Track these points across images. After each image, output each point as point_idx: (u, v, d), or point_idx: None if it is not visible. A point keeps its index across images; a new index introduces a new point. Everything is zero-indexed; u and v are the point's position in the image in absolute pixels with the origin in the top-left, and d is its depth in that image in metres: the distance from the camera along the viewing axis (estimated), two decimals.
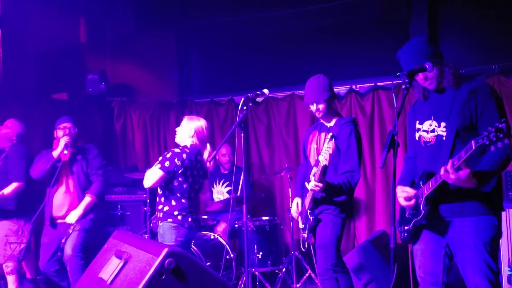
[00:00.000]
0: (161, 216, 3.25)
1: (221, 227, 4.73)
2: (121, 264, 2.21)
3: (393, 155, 2.05)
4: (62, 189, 3.93)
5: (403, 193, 2.35)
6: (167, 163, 3.17)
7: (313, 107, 3.07)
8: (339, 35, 5.46)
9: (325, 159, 2.66)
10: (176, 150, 3.26)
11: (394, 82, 2.28)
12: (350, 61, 5.28)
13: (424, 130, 2.39)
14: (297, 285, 4.42)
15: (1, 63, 4.93)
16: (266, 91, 3.09)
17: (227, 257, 4.27)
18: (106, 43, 5.97)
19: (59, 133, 3.98)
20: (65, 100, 5.49)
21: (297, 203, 3.17)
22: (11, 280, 4.04)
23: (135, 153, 5.86)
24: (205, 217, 4.81)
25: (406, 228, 2.41)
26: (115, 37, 5.95)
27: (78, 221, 3.81)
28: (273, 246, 4.48)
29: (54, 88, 5.45)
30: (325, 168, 2.73)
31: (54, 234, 3.88)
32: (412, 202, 2.33)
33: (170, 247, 2.04)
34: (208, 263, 4.15)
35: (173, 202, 3.22)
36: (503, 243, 3.66)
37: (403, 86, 2.15)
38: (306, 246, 3.17)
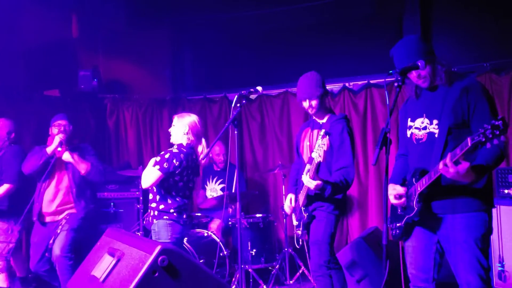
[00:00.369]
0: (156, 214, 3.24)
1: (215, 223, 4.73)
2: (113, 262, 2.20)
3: (386, 153, 2.06)
4: (53, 183, 3.89)
5: (393, 191, 2.37)
6: (165, 164, 3.15)
7: (305, 104, 3.07)
8: (332, 33, 5.47)
9: (319, 156, 2.67)
10: (174, 150, 3.23)
11: (386, 79, 2.29)
12: (344, 59, 5.29)
13: (416, 128, 2.40)
14: (291, 282, 4.44)
15: None
16: (259, 88, 3.08)
17: (221, 254, 4.27)
18: (98, 39, 5.93)
19: (54, 130, 3.94)
20: (56, 96, 5.44)
21: (291, 199, 3.18)
22: (1, 279, 4.01)
23: (128, 151, 5.83)
24: (199, 214, 4.81)
25: (398, 225, 2.42)
26: (107, 33, 5.91)
27: (68, 220, 3.77)
28: (266, 243, 4.49)
29: (46, 84, 5.40)
30: (319, 164, 2.74)
31: (44, 234, 3.84)
32: (402, 200, 2.35)
33: (163, 245, 2.03)
34: (201, 260, 4.15)
35: (169, 201, 3.21)
36: (494, 239, 3.70)
37: (396, 84, 2.16)
38: (300, 243, 3.18)
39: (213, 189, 5.14)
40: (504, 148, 2.17)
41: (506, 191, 3.81)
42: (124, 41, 5.91)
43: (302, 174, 2.97)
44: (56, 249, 3.68)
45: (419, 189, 2.26)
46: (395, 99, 2.19)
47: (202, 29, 6.01)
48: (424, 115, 2.37)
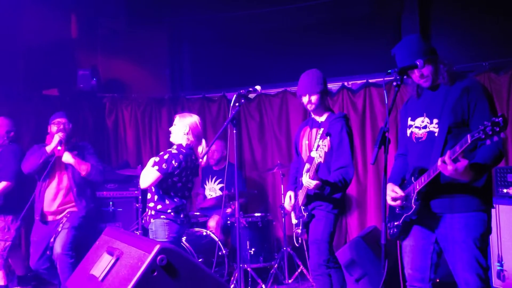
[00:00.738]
0: (153, 213, 3.24)
1: (214, 220, 4.72)
2: (112, 261, 2.20)
3: (384, 152, 2.05)
4: (54, 183, 3.87)
5: (391, 192, 2.37)
6: (164, 165, 3.14)
7: (305, 99, 3.06)
8: (331, 32, 5.47)
9: (320, 157, 2.67)
10: (173, 151, 3.22)
11: (385, 79, 2.28)
12: (342, 58, 5.30)
13: (416, 127, 2.40)
14: (289, 281, 4.44)
15: None
16: (258, 87, 3.08)
17: (219, 253, 4.27)
18: (97, 38, 5.92)
19: (53, 128, 3.93)
20: (55, 96, 5.44)
21: (290, 196, 3.18)
22: None
23: (127, 150, 5.83)
24: (197, 213, 4.81)
25: (395, 223, 2.42)
26: (106, 33, 5.91)
27: (68, 218, 3.77)
28: (265, 242, 4.49)
29: (45, 84, 5.40)
30: (319, 165, 2.75)
31: (44, 232, 3.84)
32: (398, 203, 2.35)
33: (162, 244, 2.03)
34: (200, 260, 4.15)
35: (167, 201, 3.21)
36: (492, 239, 3.70)
37: (395, 83, 2.16)
38: (299, 241, 3.18)
39: (212, 189, 5.14)
40: (503, 147, 2.17)
41: (505, 190, 3.82)
42: (123, 41, 5.91)
43: (301, 173, 2.97)
44: (57, 247, 3.68)
45: (417, 187, 2.26)
46: (394, 98, 2.19)
47: (200, 28, 6.01)
48: (425, 114, 2.37)
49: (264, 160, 5.57)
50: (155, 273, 1.96)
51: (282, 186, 4.74)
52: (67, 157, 3.80)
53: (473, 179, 2.14)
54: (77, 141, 4.06)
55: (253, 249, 4.40)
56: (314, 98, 3.03)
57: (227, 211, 4.85)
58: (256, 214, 4.70)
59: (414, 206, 2.29)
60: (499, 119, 1.85)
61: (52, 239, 3.76)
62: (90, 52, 5.82)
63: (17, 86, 5.12)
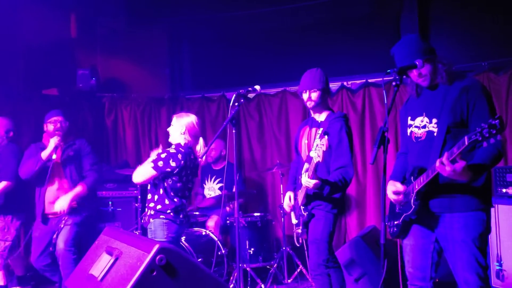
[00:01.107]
0: (152, 213, 3.24)
1: (213, 220, 4.72)
2: (111, 261, 2.20)
3: (383, 152, 2.06)
4: (54, 187, 3.85)
5: (392, 187, 2.38)
6: (160, 163, 3.15)
7: (305, 95, 3.06)
8: (330, 32, 5.47)
9: (318, 156, 2.66)
10: (172, 150, 3.22)
11: (384, 79, 2.29)
12: (342, 58, 5.29)
13: (415, 126, 2.41)
14: (289, 281, 4.45)
15: None
16: (257, 87, 3.08)
17: (219, 253, 4.27)
18: (97, 38, 5.91)
19: (50, 127, 3.91)
20: (55, 95, 5.44)
21: (290, 197, 3.18)
22: None
23: (126, 149, 5.83)
24: (197, 213, 4.81)
25: (395, 222, 2.43)
26: (106, 32, 5.90)
27: (70, 215, 3.76)
28: (264, 242, 4.49)
29: (44, 83, 5.40)
30: (317, 164, 2.74)
31: (46, 228, 3.83)
32: (400, 197, 2.35)
33: (161, 243, 2.03)
34: (199, 259, 4.15)
35: (166, 201, 3.20)
36: (492, 238, 3.70)
37: (394, 83, 2.16)
38: (300, 241, 3.18)
39: (211, 188, 5.14)
40: (502, 147, 2.17)
41: (504, 190, 3.82)
42: (123, 40, 5.91)
43: (301, 172, 2.97)
44: (60, 243, 3.68)
45: (417, 187, 2.27)
46: (393, 98, 2.19)
47: (200, 28, 6.01)
48: (424, 113, 2.37)
49: (263, 159, 5.57)
50: (154, 273, 1.96)
51: (281, 185, 4.74)
52: (62, 204, 3.70)
53: (471, 179, 2.14)
54: (73, 139, 4.01)
55: (252, 249, 4.41)
56: (314, 95, 3.03)
57: (226, 209, 4.86)
58: (256, 214, 4.70)
59: (413, 206, 2.29)
60: (496, 121, 1.85)
61: (54, 236, 3.76)
62: (89, 52, 5.81)
63: (16, 86, 5.11)
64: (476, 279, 2.20)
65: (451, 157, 2.03)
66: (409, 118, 2.46)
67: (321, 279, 3.00)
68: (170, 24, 6.03)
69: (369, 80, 5.04)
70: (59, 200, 3.73)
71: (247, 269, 4.34)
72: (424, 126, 2.36)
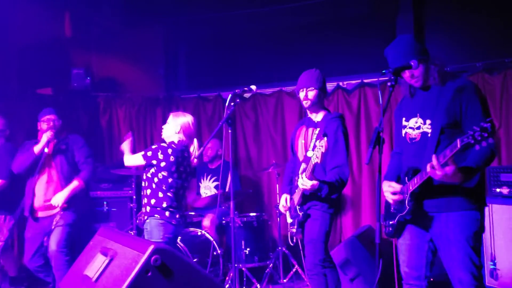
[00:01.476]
0: (148, 210, 3.24)
1: (208, 219, 4.71)
2: (106, 261, 2.19)
3: (379, 152, 2.06)
4: (43, 179, 3.84)
5: (389, 188, 2.38)
6: (149, 153, 3.26)
7: (302, 94, 3.05)
8: (326, 32, 5.48)
9: (317, 157, 2.67)
10: (163, 144, 3.29)
11: (380, 79, 2.30)
12: (337, 58, 5.30)
13: (410, 127, 2.42)
14: (284, 281, 4.45)
15: None
16: (253, 87, 3.08)
17: (214, 253, 4.27)
18: (91, 37, 5.89)
19: (43, 125, 3.92)
20: (49, 95, 5.41)
21: (286, 199, 3.18)
22: None
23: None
24: (192, 213, 4.80)
25: (391, 222, 2.44)
26: (101, 32, 5.88)
27: (61, 216, 3.74)
28: (260, 242, 4.49)
29: (38, 83, 5.37)
30: (315, 166, 2.75)
31: (38, 228, 3.81)
32: (398, 197, 2.36)
33: (156, 244, 2.03)
34: (195, 260, 4.14)
35: (160, 194, 3.23)
36: (486, 238, 3.72)
37: (389, 84, 2.17)
38: (294, 241, 3.18)
39: (207, 187, 5.14)
40: (495, 148, 2.18)
41: (498, 190, 3.84)
42: (117, 40, 5.88)
43: (297, 172, 2.97)
44: (52, 245, 3.67)
45: (411, 188, 2.28)
46: (388, 98, 2.20)
47: (196, 27, 6.00)
48: (418, 114, 2.38)
49: (259, 159, 5.57)
50: (149, 274, 1.95)
51: (277, 185, 4.74)
52: (58, 199, 3.70)
53: (463, 181, 2.15)
54: (67, 134, 4.00)
55: (248, 249, 4.40)
56: (311, 93, 3.03)
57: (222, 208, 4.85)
58: (251, 214, 4.70)
59: (407, 207, 2.31)
60: (487, 124, 1.86)
61: (45, 238, 3.74)
62: (84, 51, 5.78)
63: (11, 85, 5.08)
64: (470, 278, 2.21)
65: (443, 160, 2.04)
66: (404, 119, 2.46)
67: (317, 279, 3.00)
68: (165, 24, 6.02)
69: (365, 81, 5.04)
70: (56, 195, 3.73)
71: (243, 269, 4.34)
72: (418, 127, 2.37)
